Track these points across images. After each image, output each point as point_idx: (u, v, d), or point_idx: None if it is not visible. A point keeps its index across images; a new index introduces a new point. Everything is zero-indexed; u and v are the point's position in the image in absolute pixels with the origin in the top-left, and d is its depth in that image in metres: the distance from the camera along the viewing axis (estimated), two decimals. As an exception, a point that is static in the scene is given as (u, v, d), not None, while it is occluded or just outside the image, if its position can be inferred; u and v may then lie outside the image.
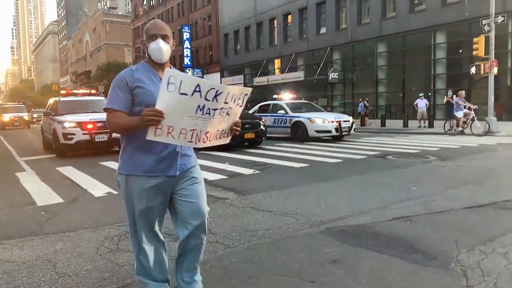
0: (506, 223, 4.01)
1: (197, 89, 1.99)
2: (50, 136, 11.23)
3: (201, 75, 42.65)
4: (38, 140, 14.47)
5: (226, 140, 2.33)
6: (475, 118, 15.25)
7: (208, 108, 2.06)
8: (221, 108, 2.12)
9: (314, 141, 13.32)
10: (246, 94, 2.25)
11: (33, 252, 3.51)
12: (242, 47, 41.54)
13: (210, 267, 3.09)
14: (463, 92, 15.96)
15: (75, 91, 13.57)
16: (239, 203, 5.06)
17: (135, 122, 2.07)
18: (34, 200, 5.60)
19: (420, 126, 19.83)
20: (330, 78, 29.41)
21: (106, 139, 10.59)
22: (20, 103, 34.30)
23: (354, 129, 14.83)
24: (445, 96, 17.52)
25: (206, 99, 2.03)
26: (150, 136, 2.01)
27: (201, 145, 2.16)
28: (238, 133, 2.35)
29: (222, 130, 2.25)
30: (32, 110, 43.54)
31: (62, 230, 4.14)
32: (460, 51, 22.97)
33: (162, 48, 2.23)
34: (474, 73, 18.16)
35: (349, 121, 14.03)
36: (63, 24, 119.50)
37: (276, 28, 36.90)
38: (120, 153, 2.34)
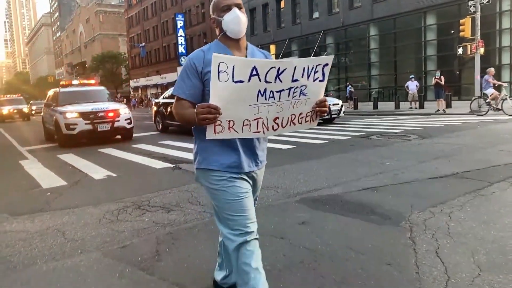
0: (460, 190, 4.53)
1: (254, 73, 1.68)
2: (52, 127, 11.43)
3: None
4: (39, 131, 14.91)
5: (310, 125, 2.00)
6: (507, 97, 14.25)
7: (271, 91, 1.75)
8: (289, 88, 1.79)
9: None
10: (326, 64, 1.84)
11: (43, 224, 4.03)
12: (236, 34, 41.65)
13: (197, 231, 3.62)
14: (492, 69, 15.26)
15: (75, 82, 13.69)
16: (227, 181, 5.55)
17: (193, 118, 1.74)
18: (39, 183, 6.10)
19: (411, 108, 20.30)
20: (323, 63, 29.71)
21: (109, 128, 10.84)
22: (20, 95, 34.31)
23: (344, 112, 15.32)
24: (434, 78, 17.92)
25: (266, 81, 1.72)
26: (210, 135, 1.74)
27: (271, 133, 1.88)
28: (325, 114, 2.00)
29: (300, 114, 1.91)
30: (31, 102, 43.48)
31: (68, 206, 4.65)
32: (452, 32, 23.28)
33: (240, 17, 1.90)
34: (461, 53, 18.60)
35: (338, 104, 14.51)
36: (56, 15, 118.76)
37: (269, 14, 37.06)
38: (194, 147, 2.09)
